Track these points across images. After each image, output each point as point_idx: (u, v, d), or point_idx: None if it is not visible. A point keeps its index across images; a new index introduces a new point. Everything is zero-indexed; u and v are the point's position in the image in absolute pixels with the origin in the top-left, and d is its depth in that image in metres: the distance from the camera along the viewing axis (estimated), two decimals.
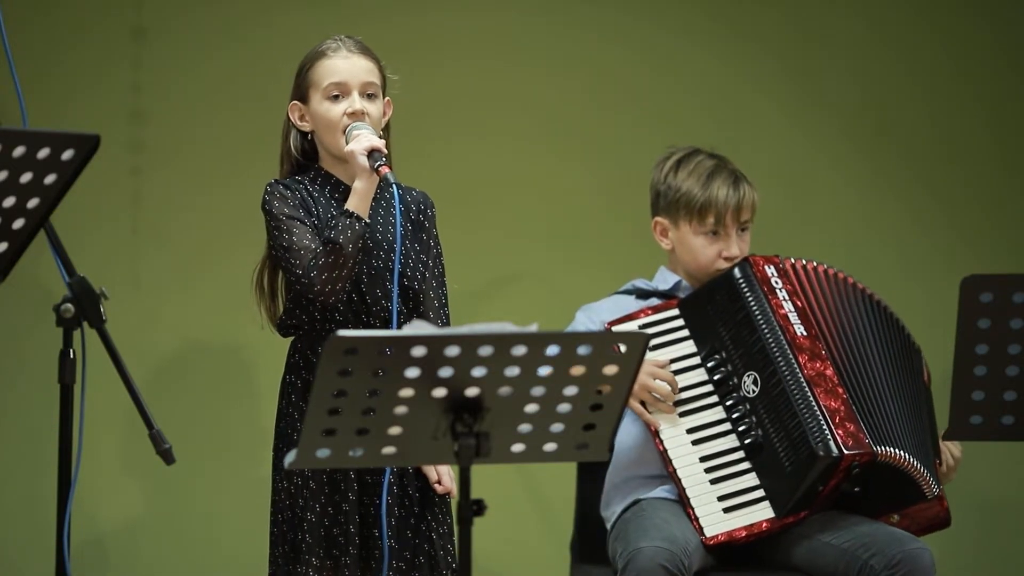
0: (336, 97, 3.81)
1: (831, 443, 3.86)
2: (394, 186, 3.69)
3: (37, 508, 4.68)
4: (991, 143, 5.32)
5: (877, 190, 5.28)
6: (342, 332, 2.89)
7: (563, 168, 5.12)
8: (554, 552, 4.45)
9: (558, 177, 5.11)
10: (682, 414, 4.02)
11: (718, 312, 4.05)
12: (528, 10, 5.13)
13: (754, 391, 3.98)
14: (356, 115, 3.78)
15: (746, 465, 3.96)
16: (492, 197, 5.04)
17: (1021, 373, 3.44)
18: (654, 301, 4.14)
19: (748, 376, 3.99)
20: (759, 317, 4.00)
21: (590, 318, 4.13)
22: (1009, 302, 3.40)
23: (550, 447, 3.06)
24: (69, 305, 3.22)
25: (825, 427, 3.88)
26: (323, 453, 2.97)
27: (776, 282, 4.06)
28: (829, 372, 3.97)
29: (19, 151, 3.01)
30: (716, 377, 4.03)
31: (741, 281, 4.04)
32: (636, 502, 4.02)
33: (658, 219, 4.17)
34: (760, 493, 3.93)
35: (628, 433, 4.04)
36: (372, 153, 3.69)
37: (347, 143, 3.74)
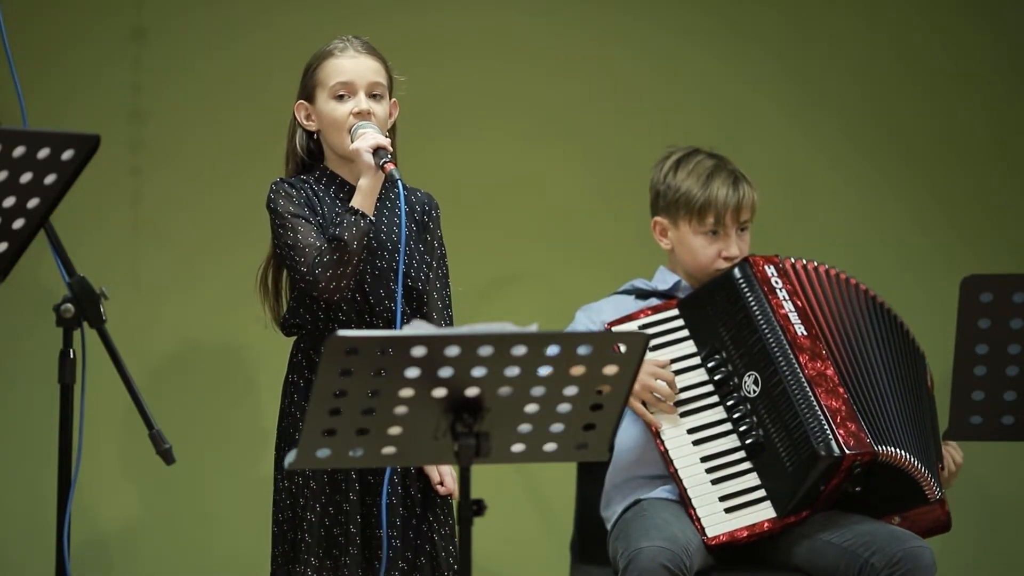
0: (342, 97, 3.81)
1: (832, 443, 3.86)
2: (399, 183, 3.68)
3: (37, 508, 4.68)
4: (991, 143, 5.32)
5: (877, 190, 5.28)
6: (342, 332, 2.89)
7: (563, 168, 5.12)
8: (554, 552, 4.45)
9: (558, 177, 5.11)
10: (683, 414, 4.02)
11: (718, 312, 4.05)
12: (528, 10, 5.13)
13: (755, 391, 3.98)
14: (362, 115, 3.78)
15: (747, 465, 3.96)
16: (492, 197, 5.04)
17: (1021, 373, 3.45)
18: (653, 301, 4.14)
19: (749, 376, 3.99)
20: (759, 317, 4.00)
21: (590, 318, 4.13)
22: (1009, 302, 3.40)
23: (550, 447, 3.06)
24: (69, 305, 3.22)
25: (826, 427, 3.88)
26: (323, 453, 2.97)
27: (776, 282, 4.06)
28: (830, 372, 3.97)
29: (19, 151, 3.01)
30: (717, 377, 4.03)
31: (741, 281, 4.04)
32: (637, 502, 4.02)
33: (657, 219, 4.17)
34: (761, 493, 3.93)
35: (628, 433, 4.04)
36: (377, 151, 3.70)
37: (352, 142, 3.74)
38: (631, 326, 4.07)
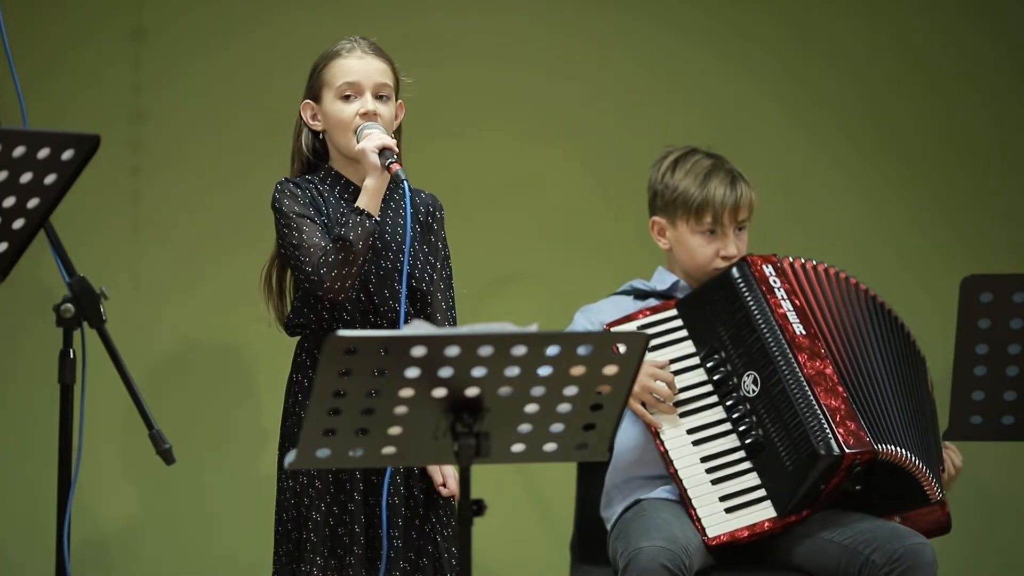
0: (349, 97, 3.81)
1: (832, 442, 3.86)
2: (405, 183, 3.68)
3: (37, 508, 4.68)
4: (992, 143, 5.32)
5: (877, 190, 5.28)
6: (342, 332, 2.89)
7: (563, 168, 5.12)
8: (554, 552, 4.45)
9: (558, 177, 5.11)
10: (682, 414, 4.02)
11: (717, 312, 4.05)
12: (528, 10, 5.14)
13: (754, 391, 3.98)
14: (368, 116, 3.78)
15: (747, 465, 3.96)
16: (492, 197, 5.04)
17: (1021, 373, 3.45)
18: (652, 302, 4.14)
19: (748, 376, 3.99)
20: (758, 317, 4.00)
21: (588, 319, 4.13)
22: (1009, 302, 3.40)
23: (550, 447, 3.06)
24: (69, 305, 3.22)
25: (826, 426, 3.88)
26: (323, 453, 2.97)
27: (774, 281, 4.06)
28: (829, 371, 3.97)
29: (19, 151, 3.01)
30: (716, 377, 4.03)
31: (739, 281, 4.04)
32: (637, 502, 4.02)
33: (656, 219, 4.17)
34: (762, 493, 3.93)
35: (628, 434, 4.04)
36: (383, 151, 3.70)
37: (358, 142, 3.74)
38: (630, 326, 4.07)
